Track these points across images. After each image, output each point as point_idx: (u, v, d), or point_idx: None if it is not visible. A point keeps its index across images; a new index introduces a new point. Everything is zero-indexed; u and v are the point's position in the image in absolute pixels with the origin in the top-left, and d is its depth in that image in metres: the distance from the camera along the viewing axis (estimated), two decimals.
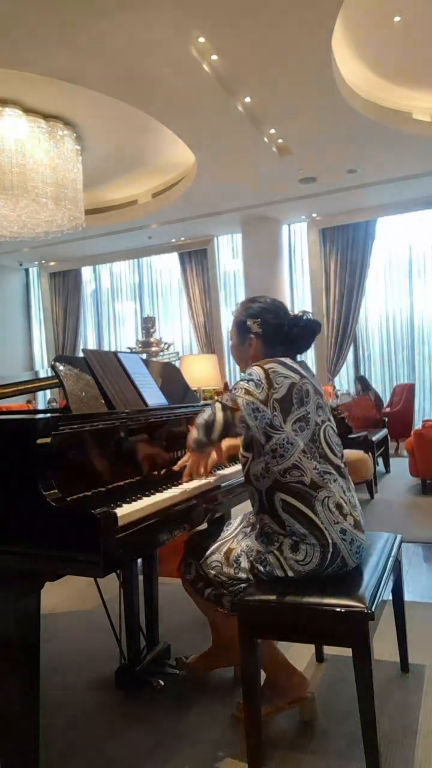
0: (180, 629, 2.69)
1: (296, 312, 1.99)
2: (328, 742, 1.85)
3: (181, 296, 11.31)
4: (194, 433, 1.83)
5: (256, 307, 1.97)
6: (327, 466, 1.79)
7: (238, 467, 2.36)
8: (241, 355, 2.01)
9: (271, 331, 1.94)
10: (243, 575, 1.82)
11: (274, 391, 1.75)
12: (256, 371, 1.79)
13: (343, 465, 1.86)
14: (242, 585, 1.82)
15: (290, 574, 1.75)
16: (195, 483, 1.96)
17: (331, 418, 1.91)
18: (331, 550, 1.73)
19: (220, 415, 1.75)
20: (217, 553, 1.92)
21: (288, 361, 1.85)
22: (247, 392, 1.75)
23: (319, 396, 1.86)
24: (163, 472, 2.02)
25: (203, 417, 1.80)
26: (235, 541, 1.92)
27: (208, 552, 1.95)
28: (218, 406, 1.77)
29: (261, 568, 1.79)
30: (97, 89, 5.65)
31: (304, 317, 1.95)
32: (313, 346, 2.05)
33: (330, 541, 1.73)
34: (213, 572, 1.90)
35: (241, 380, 1.80)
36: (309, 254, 10.25)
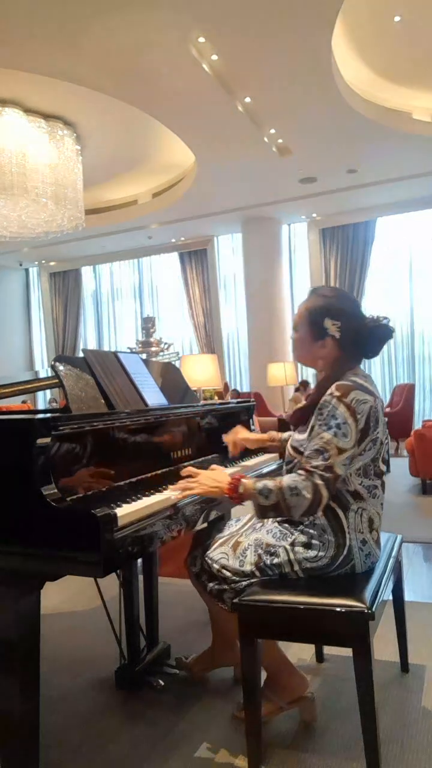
0: (180, 629, 2.69)
1: (372, 315, 1.87)
2: (328, 742, 1.85)
3: (181, 296, 11.32)
4: (276, 505, 1.64)
5: (338, 306, 1.83)
6: (377, 481, 1.79)
7: (238, 467, 2.36)
8: (312, 353, 1.87)
9: (349, 336, 1.82)
10: (248, 568, 1.81)
11: (358, 425, 1.68)
12: (341, 412, 1.66)
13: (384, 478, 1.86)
14: (244, 582, 1.82)
15: (296, 568, 1.75)
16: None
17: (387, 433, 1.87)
18: (345, 552, 1.73)
19: (326, 494, 1.63)
20: (224, 546, 1.92)
21: (363, 381, 1.76)
22: (340, 451, 1.64)
23: (382, 416, 1.80)
24: (163, 472, 2.02)
25: (304, 497, 1.60)
26: (243, 535, 1.92)
27: (215, 545, 1.95)
28: (322, 486, 1.61)
29: (268, 561, 1.78)
30: (97, 89, 5.66)
31: (382, 325, 1.83)
32: None
33: (347, 544, 1.73)
34: (217, 566, 1.89)
35: (328, 429, 1.66)
36: (309, 254, 10.26)
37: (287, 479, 1.65)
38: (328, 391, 1.72)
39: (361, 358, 1.87)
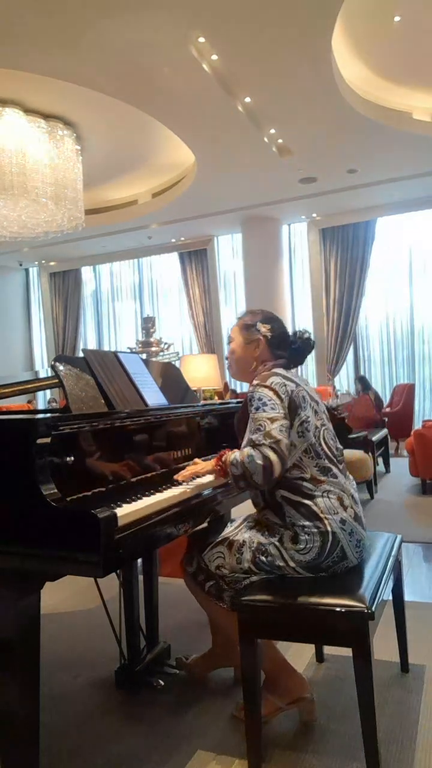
0: (180, 629, 2.69)
1: (296, 330, 2.09)
2: (328, 742, 1.85)
3: (181, 296, 11.31)
4: (243, 474, 1.74)
5: (267, 315, 2.08)
6: (328, 463, 1.87)
7: None
8: (244, 356, 2.05)
9: (278, 338, 2.03)
10: (245, 565, 1.85)
11: (284, 401, 1.81)
12: (263, 393, 1.82)
13: (343, 465, 1.94)
14: (243, 578, 1.85)
15: (291, 564, 1.79)
16: (198, 482, 1.96)
17: (328, 424, 1.98)
18: (330, 539, 1.76)
19: (275, 457, 1.71)
20: (219, 546, 1.94)
21: (284, 371, 1.92)
22: (273, 420, 1.76)
23: (315, 403, 1.94)
24: (163, 471, 2.02)
25: (256, 463, 1.71)
26: (238, 533, 1.94)
27: (210, 545, 1.97)
28: (268, 451, 1.71)
29: (263, 559, 1.82)
30: (97, 89, 5.65)
31: (306, 334, 2.06)
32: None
33: (329, 529, 1.77)
34: (214, 564, 1.92)
35: (257, 410, 1.79)
36: (309, 254, 10.25)
37: (246, 450, 1.78)
38: (251, 385, 1.89)
39: (290, 364, 2.01)
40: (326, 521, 1.77)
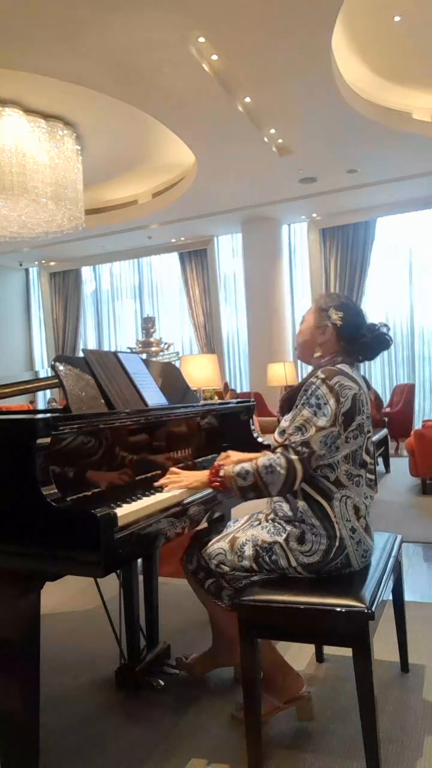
0: (180, 629, 2.69)
1: (376, 324, 1.96)
2: (328, 742, 1.85)
3: (181, 296, 11.31)
4: (255, 485, 1.70)
5: (344, 302, 1.97)
6: (361, 471, 1.83)
7: None
8: (311, 339, 1.96)
9: (349, 328, 1.93)
10: (246, 563, 1.84)
11: (341, 407, 1.73)
12: (323, 392, 1.74)
13: (374, 478, 1.89)
14: (243, 576, 1.85)
15: (293, 564, 1.78)
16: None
17: (371, 429, 1.92)
18: (337, 544, 1.75)
19: (300, 470, 1.68)
20: (221, 542, 1.93)
21: (349, 370, 1.85)
22: (318, 429, 1.70)
23: (367, 408, 1.87)
24: (162, 471, 2.02)
25: (278, 473, 1.67)
26: (241, 531, 1.93)
27: (212, 542, 1.96)
28: (296, 461, 1.68)
29: (266, 557, 1.81)
30: (97, 89, 5.65)
31: (381, 329, 1.94)
32: None
33: (338, 534, 1.75)
34: (215, 561, 1.91)
35: (309, 406, 1.74)
36: (309, 254, 10.25)
37: (263, 459, 1.73)
38: (314, 375, 1.80)
39: (355, 357, 1.95)
40: (336, 526, 1.75)
